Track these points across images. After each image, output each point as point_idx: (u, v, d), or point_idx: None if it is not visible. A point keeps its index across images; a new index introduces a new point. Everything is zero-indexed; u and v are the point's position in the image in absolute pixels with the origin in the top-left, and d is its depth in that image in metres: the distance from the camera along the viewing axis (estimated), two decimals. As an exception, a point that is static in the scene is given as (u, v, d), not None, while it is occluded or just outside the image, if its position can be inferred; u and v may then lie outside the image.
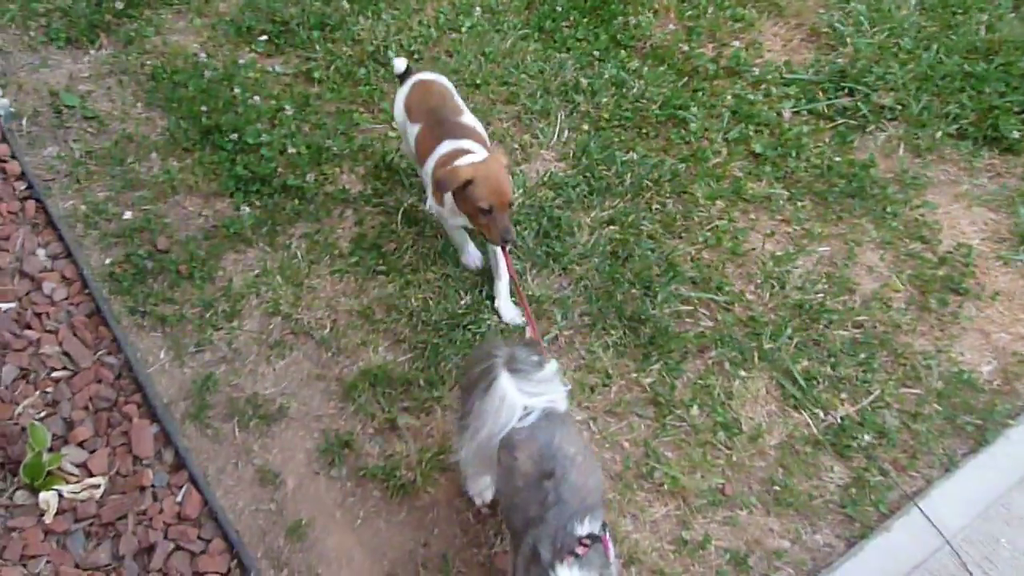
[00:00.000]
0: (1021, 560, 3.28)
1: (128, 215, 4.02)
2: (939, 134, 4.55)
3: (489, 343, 2.75)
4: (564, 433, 2.67)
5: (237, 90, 4.46)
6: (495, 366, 2.65)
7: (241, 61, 4.66)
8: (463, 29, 4.90)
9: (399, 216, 4.04)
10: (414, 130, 3.69)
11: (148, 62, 4.66)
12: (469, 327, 3.67)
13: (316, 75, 4.62)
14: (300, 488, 3.31)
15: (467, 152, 3.49)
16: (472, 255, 3.85)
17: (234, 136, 4.24)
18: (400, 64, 3.87)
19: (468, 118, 3.75)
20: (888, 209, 4.26)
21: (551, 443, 2.63)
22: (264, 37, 4.80)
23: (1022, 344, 3.89)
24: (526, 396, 2.64)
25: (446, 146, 3.53)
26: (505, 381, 2.63)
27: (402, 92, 3.81)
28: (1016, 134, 4.54)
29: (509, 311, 3.71)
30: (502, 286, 3.72)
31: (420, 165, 3.67)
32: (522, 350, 2.71)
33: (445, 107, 3.71)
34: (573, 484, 2.58)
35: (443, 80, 3.86)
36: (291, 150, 4.21)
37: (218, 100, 4.41)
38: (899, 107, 4.64)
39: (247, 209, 4.05)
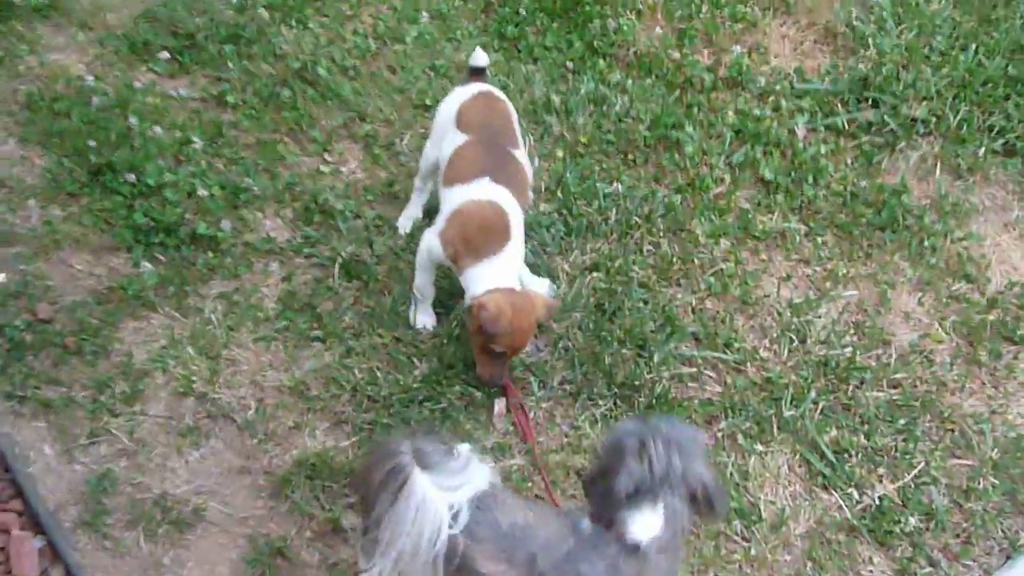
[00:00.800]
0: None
1: (1, 277, 4.04)
2: (982, 151, 4.71)
3: (387, 439, 2.83)
4: (504, 507, 2.78)
5: (133, 120, 4.51)
6: (403, 465, 2.69)
7: (137, 84, 4.72)
8: (408, 39, 5.01)
9: (336, 269, 4.10)
10: (456, 139, 3.84)
11: (21, 87, 4.70)
12: (426, 403, 3.73)
13: (230, 99, 4.69)
14: (223, 609, 3.33)
15: (497, 207, 3.67)
16: (427, 314, 3.93)
17: (131, 176, 4.28)
18: (481, 57, 4.09)
19: (523, 156, 3.93)
20: (925, 243, 4.39)
21: (502, 528, 2.73)
22: (165, 54, 4.87)
23: (1092, 401, 4.01)
24: (449, 492, 2.70)
25: (481, 188, 3.70)
26: (420, 480, 2.67)
27: (461, 93, 4.00)
28: (1073, 150, 4.71)
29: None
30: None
31: (444, 183, 3.82)
32: (426, 442, 2.76)
33: (505, 132, 3.90)
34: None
35: (511, 105, 4.07)
36: (201, 192, 4.26)
37: (110, 132, 4.45)
38: (933, 120, 4.80)
39: (148, 266, 4.08)
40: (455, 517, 2.69)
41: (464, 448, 2.85)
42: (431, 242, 3.74)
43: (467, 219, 3.65)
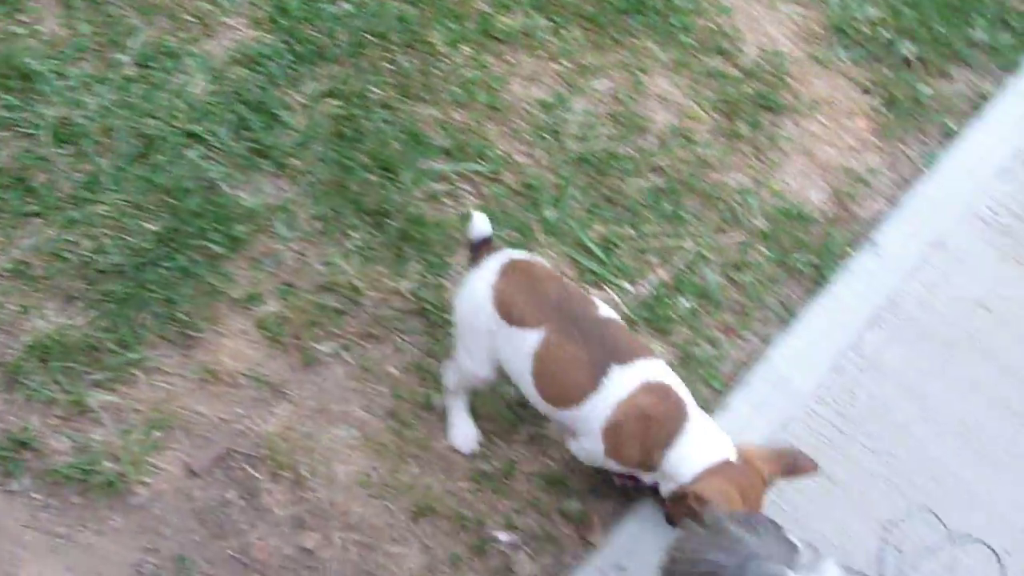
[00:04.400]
0: (878, 407, 3.56)
1: None
2: (722, -81, 4.74)
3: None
4: None
5: None
6: None
7: None
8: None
9: (46, 134, 3.88)
10: (527, 341, 3.08)
11: None
12: (163, 263, 3.61)
13: None
14: (-31, 514, 3.22)
15: (666, 389, 3.06)
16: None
17: None
18: (482, 225, 3.21)
19: (608, 311, 3.19)
20: (675, 22, 4.43)
21: None
22: None
23: (853, 157, 4.18)
24: None
25: (628, 379, 3.01)
26: None
27: (485, 278, 3.16)
28: (814, -93, 4.78)
29: None
30: None
31: (557, 407, 3.12)
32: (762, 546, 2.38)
33: (575, 299, 3.13)
34: None
35: (546, 264, 3.40)
36: None
37: None
38: None
39: None
40: None
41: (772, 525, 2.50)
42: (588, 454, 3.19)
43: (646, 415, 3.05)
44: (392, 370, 3.51)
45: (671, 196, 3.97)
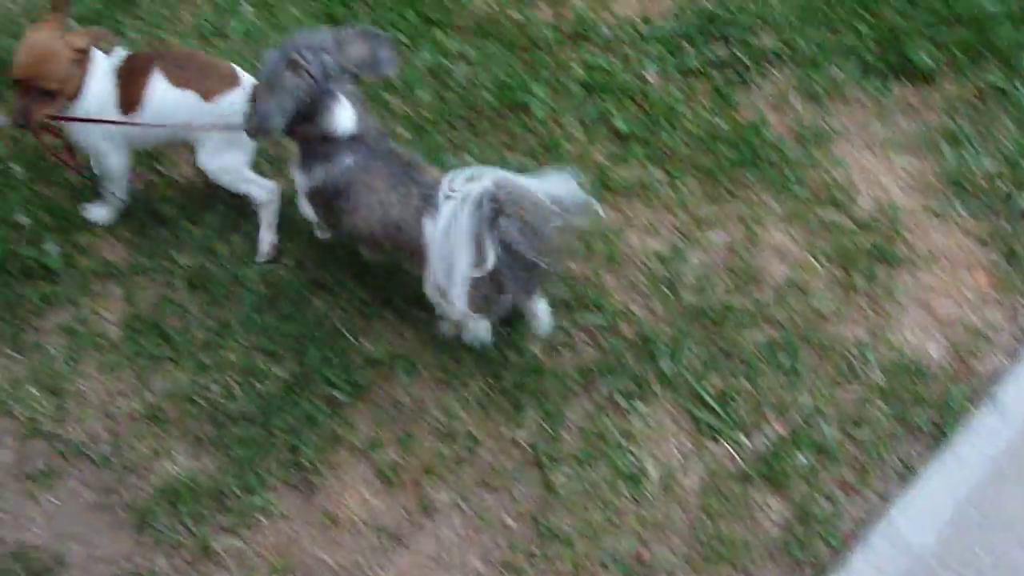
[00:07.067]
0: (1002, 566, 3.46)
1: None
2: (837, 73, 4.80)
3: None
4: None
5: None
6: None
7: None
8: (231, 33, 4.95)
9: (180, 281, 4.04)
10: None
11: None
12: (287, 409, 3.70)
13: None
14: (97, 656, 3.28)
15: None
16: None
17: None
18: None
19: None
20: (789, 174, 4.46)
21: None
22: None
23: (971, 311, 4.12)
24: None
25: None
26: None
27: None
28: (928, 59, 4.83)
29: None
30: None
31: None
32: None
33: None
34: None
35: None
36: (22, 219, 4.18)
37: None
38: (785, 48, 4.88)
39: (-23, 306, 4.00)
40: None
41: None
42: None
43: None
44: (508, 520, 3.53)
45: (787, 349, 3.96)
